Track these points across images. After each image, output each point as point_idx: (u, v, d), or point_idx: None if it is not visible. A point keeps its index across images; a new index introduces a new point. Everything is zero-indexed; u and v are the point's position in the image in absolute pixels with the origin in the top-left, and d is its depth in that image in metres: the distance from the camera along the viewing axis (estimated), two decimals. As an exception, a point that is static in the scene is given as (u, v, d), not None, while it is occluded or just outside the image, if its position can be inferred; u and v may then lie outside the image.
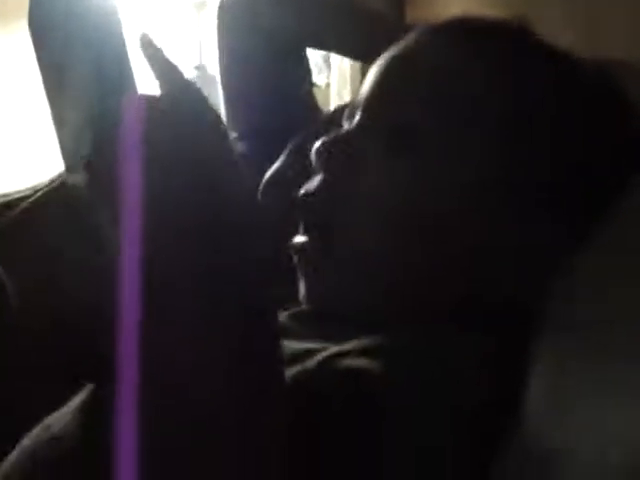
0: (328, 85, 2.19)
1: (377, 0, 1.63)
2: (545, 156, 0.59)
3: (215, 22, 0.99)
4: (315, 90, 2.19)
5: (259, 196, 0.73)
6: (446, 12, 1.47)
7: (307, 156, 0.64)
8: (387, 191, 0.59)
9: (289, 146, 0.74)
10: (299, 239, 0.62)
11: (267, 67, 0.95)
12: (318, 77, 2.27)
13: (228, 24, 0.97)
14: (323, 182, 0.61)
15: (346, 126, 0.64)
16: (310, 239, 0.61)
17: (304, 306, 0.64)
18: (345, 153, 0.60)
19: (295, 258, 0.62)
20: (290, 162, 0.70)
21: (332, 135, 0.61)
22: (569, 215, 0.58)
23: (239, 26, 0.96)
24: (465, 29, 0.64)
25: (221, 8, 0.97)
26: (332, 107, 1.72)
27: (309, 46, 0.99)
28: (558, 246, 0.57)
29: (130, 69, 0.49)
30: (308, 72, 1.00)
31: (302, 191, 0.62)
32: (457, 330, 0.56)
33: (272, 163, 0.79)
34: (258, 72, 0.95)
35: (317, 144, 0.61)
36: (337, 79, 2.00)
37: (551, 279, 0.54)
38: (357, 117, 0.63)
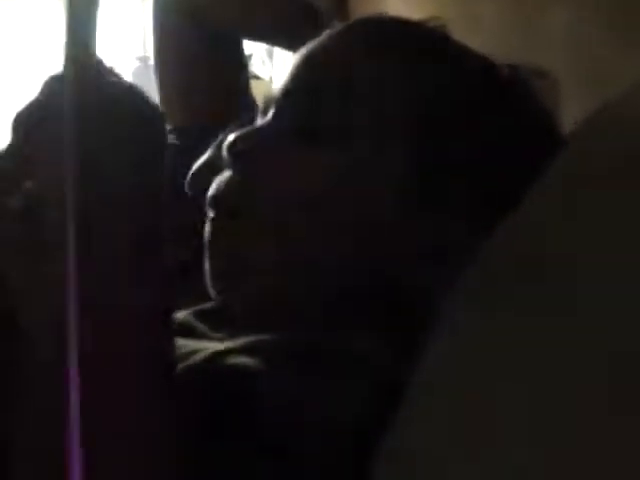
0: (271, 78, 2.19)
1: None
2: (453, 153, 0.59)
3: (151, 6, 0.98)
4: (258, 83, 2.20)
5: (186, 187, 0.73)
6: (387, 7, 1.48)
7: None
8: (297, 185, 0.59)
9: (219, 137, 0.73)
10: (209, 228, 0.61)
11: (200, 55, 0.94)
12: (261, 70, 2.27)
13: (161, 7, 0.96)
14: (232, 178, 0.61)
15: (259, 122, 0.64)
16: (220, 228, 0.61)
17: (210, 297, 0.63)
18: (255, 149, 0.60)
19: (205, 246, 0.61)
20: (218, 154, 0.69)
21: (243, 131, 0.61)
22: (481, 210, 0.57)
23: (171, 10, 0.94)
24: (376, 27, 0.65)
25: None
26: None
27: (238, 35, 0.98)
28: (463, 242, 0.57)
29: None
30: (243, 64, 1.00)
31: (213, 186, 0.61)
32: (351, 329, 0.55)
33: (203, 154, 0.78)
34: (191, 60, 0.94)
35: (228, 139, 0.61)
36: (280, 72, 1.99)
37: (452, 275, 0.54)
38: (270, 112, 0.63)
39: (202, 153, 0.77)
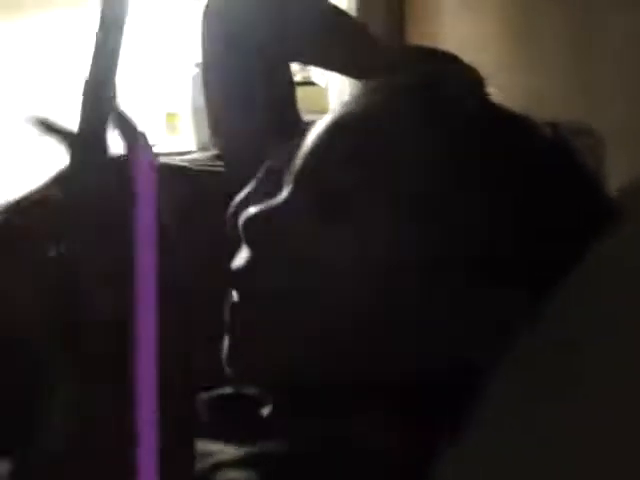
0: (327, 84, 2.17)
1: (376, 16, 1.62)
2: (484, 226, 0.56)
3: (199, 29, 0.96)
4: (315, 90, 2.18)
5: (227, 218, 0.71)
6: (444, 30, 1.45)
7: (280, 179, 0.62)
8: (315, 262, 0.57)
9: (264, 167, 0.71)
10: (230, 307, 0.59)
11: (249, 81, 0.92)
12: (318, 77, 2.25)
13: (210, 33, 0.94)
14: (250, 259, 0.59)
15: (277, 197, 0.61)
16: (240, 308, 0.59)
17: (226, 372, 0.62)
18: (271, 228, 0.58)
19: (227, 320, 0.59)
20: (261, 185, 0.67)
21: (259, 208, 0.59)
22: (511, 285, 0.55)
23: (219, 36, 0.93)
24: (400, 89, 0.62)
25: (205, 16, 0.95)
26: (331, 108, 1.69)
27: (292, 61, 0.96)
28: (499, 319, 0.54)
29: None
30: (292, 86, 0.98)
31: (233, 266, 0.60)
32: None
33: (248, 182, 0.76)
34: (240, 86, 0.93)
35: (244, 217, 0.59)
36: (337, 79, 1.98)
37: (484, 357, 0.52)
38: (288, 187, 0.60)
39: (247, 182, 0.76)
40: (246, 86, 0.92)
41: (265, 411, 0.60)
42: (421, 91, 0.61)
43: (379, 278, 0.55)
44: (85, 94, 0.48)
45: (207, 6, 0.94)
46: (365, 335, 0.56)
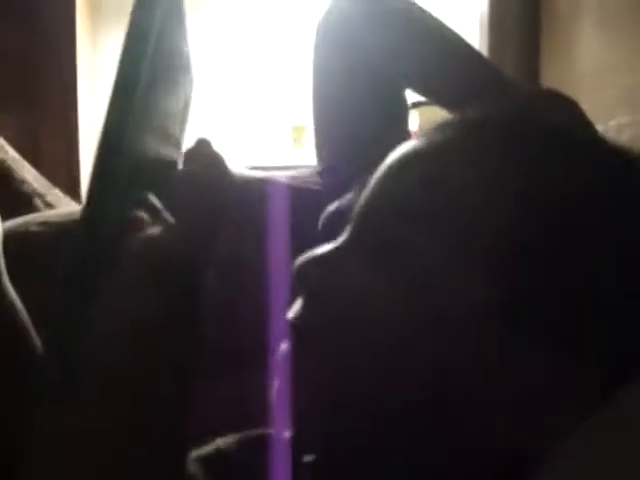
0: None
1: (512, 51, 1.57)
2: (565, 291, 0.51)
3: (313, 41, 0.94)
4: (426, 110, 2.11)
5: (319, 226, 0.68)
6: (583, 66, 1.38)
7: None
8: (370, 312, 0.53)
9: (359, 183, 0.68)
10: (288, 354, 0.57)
11: (361, 99, 0.89)
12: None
13: (324, 48, 0.92)
14: (305, 307, 0.56)
15: (335, 242, 0.58)
16: (297, 357, 0.56)
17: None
18: (326, 275, 0.55)
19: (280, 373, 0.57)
20: (353, 202, 0.63)
21: (313, 255, 0.57)
22: (589, 361, 0.50)
23: (335, 52, 0.90)
24: (475, 125, 0.56)
25: (318, 31, 0.92)
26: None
27: (409, 87, 0.91)
28: (564, 396, 0.49)
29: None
30: (404, 108, 0.93)
31: (289, 314, 0.57)
32: None
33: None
34: (351, 103, 0.90)
35: (297, 265, 0.56)
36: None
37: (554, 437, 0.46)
38: (346, 232, 0.58)
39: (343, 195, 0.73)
40: (357, 104, 0.90)
41: (306, 459, 0.57)
42: (498, 127, 0.56)
43: (436, 338, 0.51)
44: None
45: (321, 21, 0.92)
46: (419, 401, 0.51)
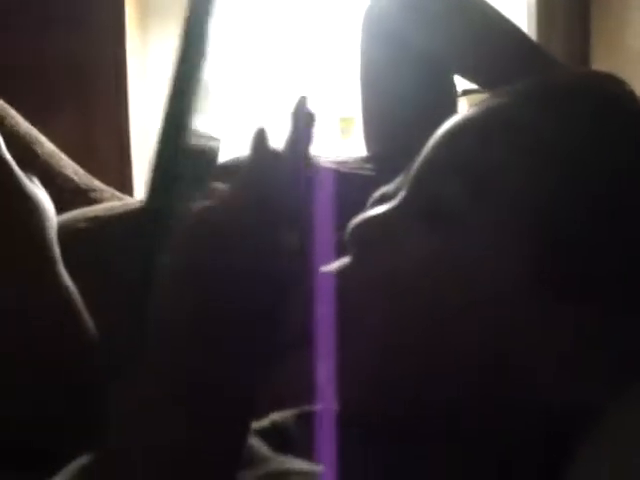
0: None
1: (560, 37, 1.55)
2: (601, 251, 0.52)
3: (359, 33, 0.94)
4: (474, 97, 2.10)
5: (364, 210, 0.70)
6: (635, 51, 1.37)
7: None
8: (420, 271, 0.54)
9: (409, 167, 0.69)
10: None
11: (407, 89, 0.90)
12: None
13: (372, 36, 0.93)
14: (353, 263, 0.57)
15: (389, 204, 0.59)
16: (343, 320, 0.56)
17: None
18: (378, 234, 0.56)
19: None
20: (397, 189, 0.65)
21: (367, 216, 0.58)
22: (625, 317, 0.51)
23: (381, 42, 0.91)
24: (521, 94, 0.58)
25: (365, 19, 0.93)
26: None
27: (458, 73, 0.92)
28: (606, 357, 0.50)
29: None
30: (454, 95, 0.93)
31: (334, 270, 0.57)
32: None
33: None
34: (395, 94, 0.90)
35: (351, 224, 0.57)
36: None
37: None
38: (401, 194, 0.59)
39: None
40: (406, 92, 0.91)
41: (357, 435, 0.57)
42: (554, 93, 0.57)
43: (487, 293, 0.52)
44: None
45: (365, 13, 0.93)
46: (469, 363, 0.52)
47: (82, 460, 0.56)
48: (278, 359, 0.50)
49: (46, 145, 1.16)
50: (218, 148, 0.58)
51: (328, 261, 0.54)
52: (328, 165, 0.98)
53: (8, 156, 0.84)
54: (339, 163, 1.05)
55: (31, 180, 0.85)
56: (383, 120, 0.94)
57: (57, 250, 0.81)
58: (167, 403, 0.45)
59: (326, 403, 0.58)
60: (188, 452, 0.44)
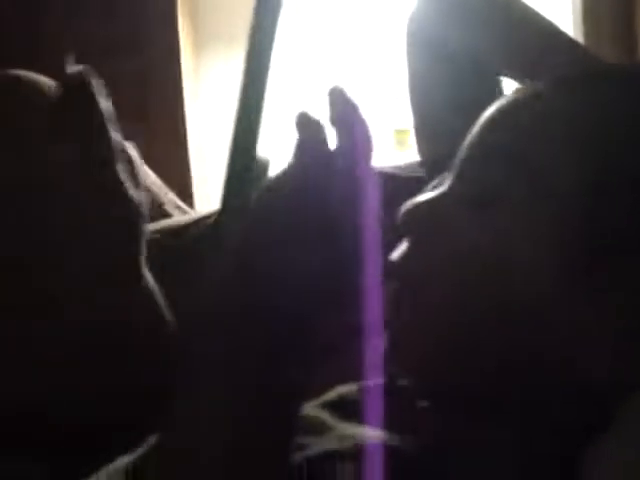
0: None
1: (607, 38, 1.54)
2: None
3: (403, 42, 0.96)
4: None
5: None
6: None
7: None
8: (472, 252, 0.56)
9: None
10: (390, 298, 0.58)
11: (454, 93, 0.91)
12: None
13: (414, 46, 0.94)
14: (409, 249, 0.59)
15: (438, 189, 0.61)
16: (398, 300, 0.58)
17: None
18: (430, 218, 0.58)
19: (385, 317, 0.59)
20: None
21: (419, 200, 0.59)
22: None
23: (425, 49, 0.93)
24: (561, 83, 0.59)
25: (408, 27, 0.95)
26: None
27: (505, 75, 0.93)
28: None
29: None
30: (500, 95, 0.95)
31: (391, 259, 0.59)
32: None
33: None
34: (444, 99, 0.92)
35: (404, 209, 0.59)
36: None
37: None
38: (449, 180, 0.61)
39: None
40: (455, 97, 0.92)
41: (420, 404, 0.60)
42: (583, 84, 0.59)
43: (533, 271, 0.53)
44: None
45: (408, 24, 0.95)
46: (518, 330, 0.54)
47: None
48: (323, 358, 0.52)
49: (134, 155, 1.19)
50: (269, 162, 0.61)
51: (376, 260, 0.57)
52: (381, 169, 1.00)
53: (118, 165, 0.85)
54: (393, 168, 1.07)
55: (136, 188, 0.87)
56: (433, 126, 0.95)
57: (144, 252, 0.84)
58: (219, 402, 0.47)
59: (376, 377, 0.61)
60: (238, 450, 0.46)
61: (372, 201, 0.50)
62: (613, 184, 0.54)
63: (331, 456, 0.55)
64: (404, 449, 0.54)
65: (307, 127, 0.52)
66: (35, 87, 0.78)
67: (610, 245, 0.53)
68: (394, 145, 2.48)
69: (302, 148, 0.51)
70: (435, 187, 0.63)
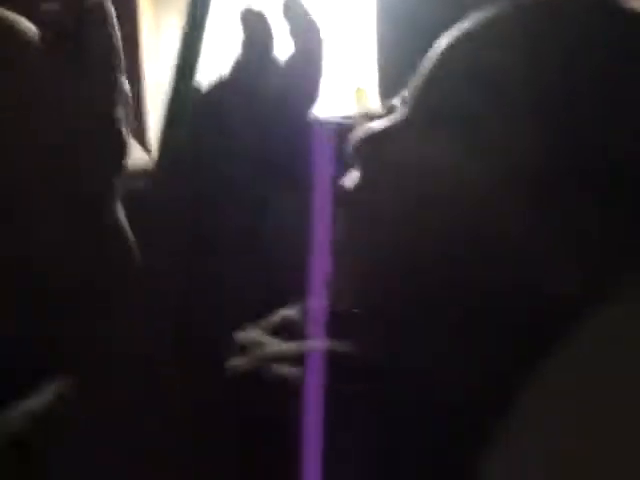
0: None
1: None
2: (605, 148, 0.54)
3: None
4: None
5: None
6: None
7: None
8: (420, 179, 0.56)
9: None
10: (340, 226, 0.59)
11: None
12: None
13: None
14: (361, 178, 0.58)
15: (393, 115, 0.60)
16: (347, 227, 0.59)
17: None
18: (381, 146, 0.57)
19: (334, 244, 0.59)
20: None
21: (370, 129, 0.58)
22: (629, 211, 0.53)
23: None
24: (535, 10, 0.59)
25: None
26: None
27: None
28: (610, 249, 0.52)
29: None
30: None
31: (342, 187, 0.59)
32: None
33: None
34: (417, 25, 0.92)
35: (354, 138, 0.58)
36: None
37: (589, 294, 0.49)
38: (401, 107, 0.60)
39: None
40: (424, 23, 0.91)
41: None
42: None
43: (490, 193, 0.53)
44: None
45: None
46: (470, 253, 0.54)
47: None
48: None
49: None
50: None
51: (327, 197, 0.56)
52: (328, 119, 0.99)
53: None
54: (343, 118, 1.06)
55: None
56: (398, 59, 0.95)
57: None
58: (154, 309, 0.47)
59: (319, 299, 0.62)
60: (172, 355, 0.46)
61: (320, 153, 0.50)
62: (573, 101, 0.54)
63: (273, 360, 0.55)
64: (347, 354, 0.55)
65: (252, 21, 0.51)
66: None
67: (572, 164, 0.53)
68: (354, 103, 2.48)
69: (248, 41, 0.50)
70: (387, 115, 0.62)
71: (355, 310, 0.60)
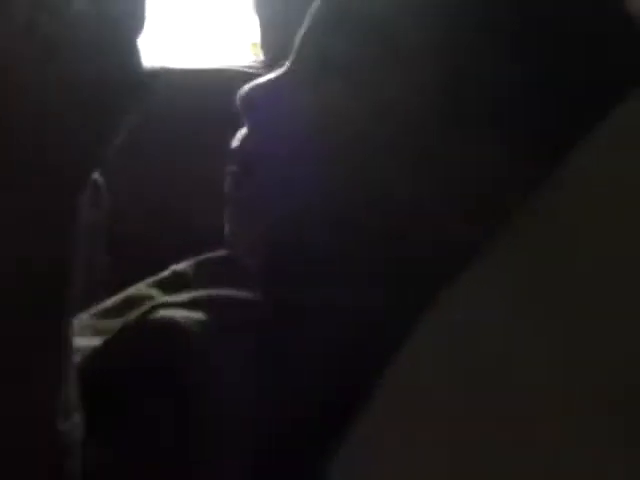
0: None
1: None
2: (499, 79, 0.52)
3: None
4: None
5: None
6: None
7: None
8: (314, 126, 0.55)
9: None
10: (228, 182, 0.59)
11: None
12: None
13: None
14: (249, 131, 0.58)
15: (279, 69, 0.60)
16: (236, 183, 0.59)
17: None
18: (267, 99, 0.57)
19: (225, 200, 0.60)
20: None
21: (257, 82, 0.58)
22: (528, 147, 0.51)
23: None
24: None
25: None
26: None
27: None
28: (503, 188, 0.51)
29: None
30: None
31: (233, 144, 0.59)
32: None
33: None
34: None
35: (241, 92, 0.58)
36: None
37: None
38: (288, 60, 0.59)
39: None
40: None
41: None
42: None
43: (378, 136, 0.53)
44: None
45: None
46: (366, 200, 0.53)
47: None
48: None
49: None
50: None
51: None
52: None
53: None
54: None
55: None
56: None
57: None
58: None
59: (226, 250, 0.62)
60: None
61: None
62: (466, 42, 0.52)
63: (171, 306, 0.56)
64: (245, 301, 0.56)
65: None
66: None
67: (469, 88, 0.52)
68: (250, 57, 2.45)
69: None
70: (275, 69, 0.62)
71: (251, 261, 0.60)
